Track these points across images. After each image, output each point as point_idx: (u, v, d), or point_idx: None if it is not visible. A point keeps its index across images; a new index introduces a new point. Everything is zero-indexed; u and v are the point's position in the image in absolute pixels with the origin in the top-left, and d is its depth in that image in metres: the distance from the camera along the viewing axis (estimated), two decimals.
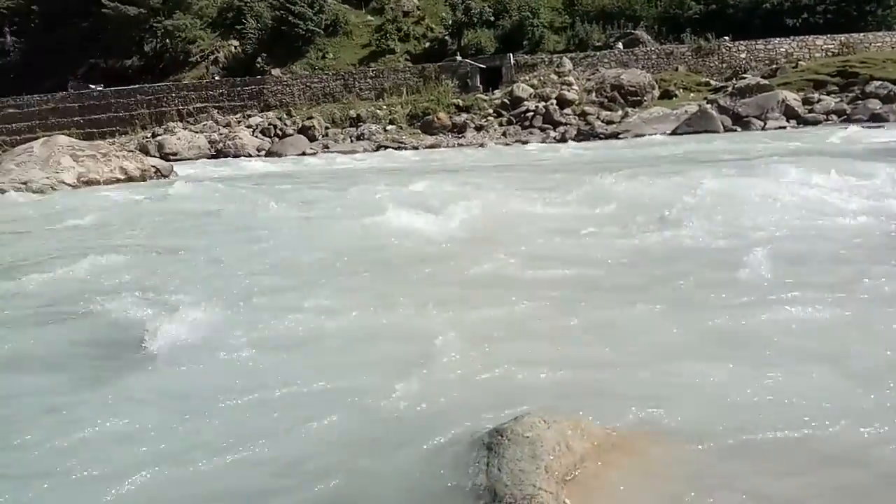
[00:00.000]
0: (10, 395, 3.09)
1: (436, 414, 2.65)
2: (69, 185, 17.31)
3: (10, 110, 33.96)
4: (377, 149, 26.76)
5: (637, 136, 23.02)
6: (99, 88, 34.24)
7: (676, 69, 29.53)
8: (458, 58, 31.43)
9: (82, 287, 5.13)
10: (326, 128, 29.96)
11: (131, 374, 3.29)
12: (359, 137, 28.72)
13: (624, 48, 30.93)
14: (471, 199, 7.77)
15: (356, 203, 8.61)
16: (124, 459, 2.44)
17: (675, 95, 27.53)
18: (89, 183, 17.45)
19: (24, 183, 17.06)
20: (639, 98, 27.34)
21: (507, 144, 25.27)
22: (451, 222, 6.76)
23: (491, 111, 28.76)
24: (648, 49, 30.60)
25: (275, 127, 30.05)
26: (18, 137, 29.57)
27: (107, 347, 3.68)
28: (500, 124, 27.91)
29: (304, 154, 26.67)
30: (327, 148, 27.70)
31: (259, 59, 34.89)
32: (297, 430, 2.63)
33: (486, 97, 29.61)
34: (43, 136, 22.08)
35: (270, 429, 2.66)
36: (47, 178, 17.20)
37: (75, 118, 33.25)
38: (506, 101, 28.76)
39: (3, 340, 3.90)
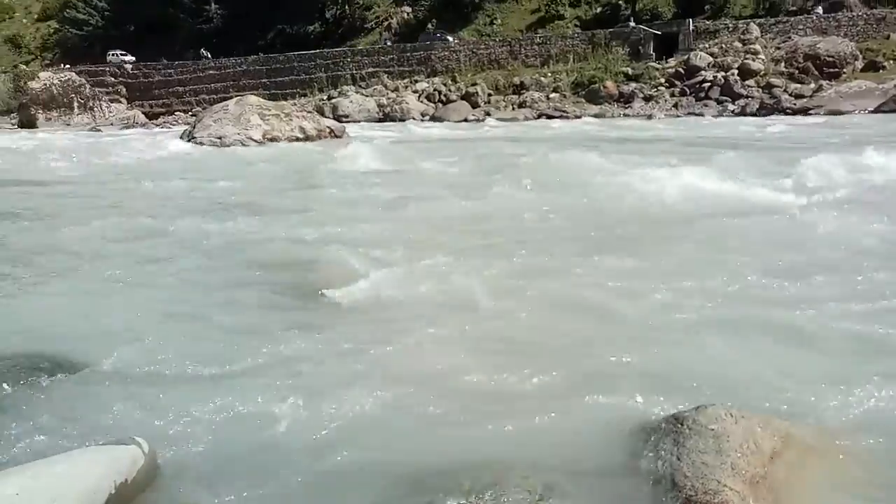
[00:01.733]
0: (231, 332, 3.44)
1: (605, 391, 2.59)
2: (256, 140, 18.93)
3: (211, 72, 37.77)
4: (538, 117, 26.43)
5: (831, 112, 20.60)
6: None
7: (888, 37, 25.88)
8: (631, 23, 29.91)
9: (285, 237, 5.61)
10: (489, 94, 30.07)
11: (332, 319, 3.54)
12: (520, 105, 28.51)
13: (824, 13, 27.62)
14: None
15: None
16: (336, 394, 2.65)
17: (883, 67, 24.23)
18: (273, 140, 18.96)
19: (219, 137, 18.92)
20: (836, 70, 24.41)
21: (678, 116, 23.79)
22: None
23: (663, 81, 27.19)
24: (854, 14, 27.08)
25: (439, 92, 30.68)
26: (216, 96, 32.85)
27: (308, 293, 4.00)
28: (672, 95, 26.31)
29: (465, 120, 27.02)
30: (488, 114, 27.81)
31: (429, 25, 35.62)
32: (452, 397, 2.69)
33: (658, 66, 28.00)
34: (236, 96, 24.24)
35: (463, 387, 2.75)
36: (238, 133, 18.92)
37: (262, 80, 36.22)
38: (680, 70, 27.01)
39: (220, 285, 4.35)
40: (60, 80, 35.33)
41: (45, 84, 34.76)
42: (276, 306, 3.86)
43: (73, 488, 1.66)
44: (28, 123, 32.99)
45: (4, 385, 2.77)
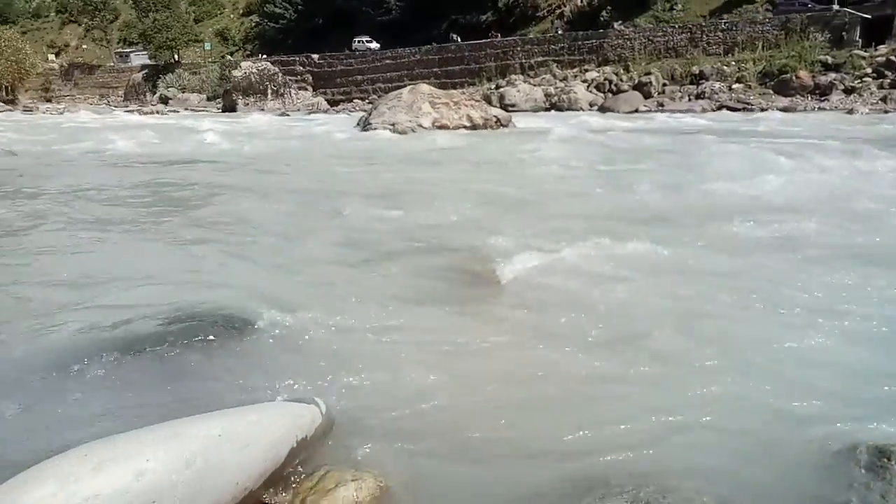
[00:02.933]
0: (399, 305, 3.62)
1: (801, 403, 2.34)
2: (425, 128, 19.58)
3: (387, 61, 39.68)
4: (718, 108, 24.63)
5: None
6: (456, 38, 37.74)
7: None
8: (835, 6, 26.77)
9: (448, 223, 5.78)
10: (664, 84, 28.55)
11: (487, 302, 3.61)
12: (698, 96, 26.75)
13: None
14: None
15: None
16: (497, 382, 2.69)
17: None
18: (441, 127, 19.51)
19: (392, 124, 19.82)
20: None
21: (886, 112, 20.98)
22: None
23: (869, 71, 24.08)
24: None
25: (610, 82, 29.67)
26: (390, 84, 34.46)
27: (464, 278, 4.10)
28: (881, 87, 23.23)
29: (636, 111, 25.91)
30: (661, 106, 26.44)
31: (604, 13, 34.55)
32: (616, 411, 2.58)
33: (864, 54, 24.84)
34: (409, 85, 25.21)
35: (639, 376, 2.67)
36: (410, 121, 19.69)
37: (434, 69, 37.34)
38: (893, 59, 23.75)
39: (380, 269, 4.58)
40: (258, 69, 39.02)
41: (245, 73, 38.58)
42: (447, 286, 3.98)
43: (262, 437, 1.82)
44: (230, 108, 36.90)
45: (194, 338, 3.09)
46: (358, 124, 21.52)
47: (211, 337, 3.12)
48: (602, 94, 29.32)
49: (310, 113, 34.11)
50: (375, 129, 19.63)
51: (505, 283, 3.85)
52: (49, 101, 51.08)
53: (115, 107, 44.29)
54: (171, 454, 1.52)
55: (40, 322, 3.36)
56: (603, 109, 27.35)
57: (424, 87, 21.49)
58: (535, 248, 4.54)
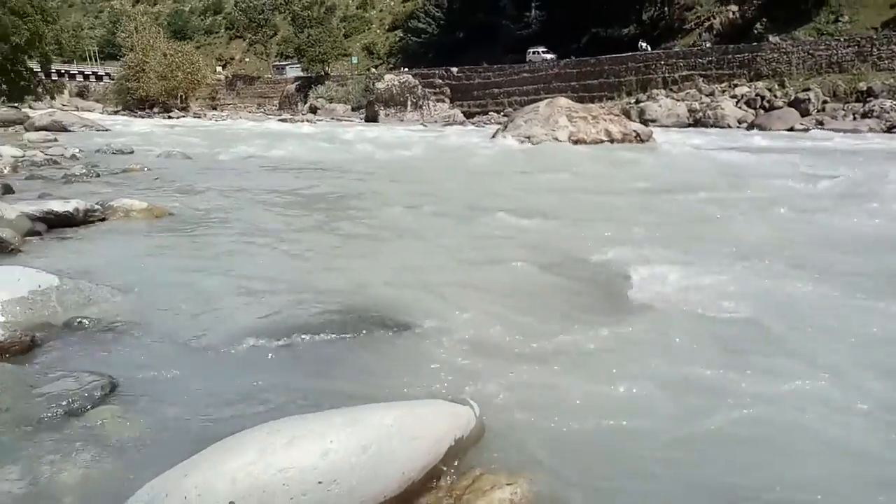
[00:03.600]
0: (544, 328, 3.62)
1: None
2: (561, 141, 19.39)
3: (524, 74, 39.85)
4: (889, 129, 22.34)
5: None
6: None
7: None
8: None
9: (589, 236, 5.72)
10: (824, 102, 26.35)
11: (620, 320, 3.53)
12: (865, 115, 24.40)
13: None
14: None
15: None
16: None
17: None
18: (578, 142, 19.25)
19: (528, 137, 19.83)
20: None
21: None
22: None
23: None
24: None
25: (762, 98, 27.83)
26: (526, 98, 34.58)
27: (595, 292, 4.04)
28: None
29: (791, 129, 24.09)
30: (821, 124, 24.37)
31: (758, 25, 32.55)
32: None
33: None
34: (545, 98, 25.13)
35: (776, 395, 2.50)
36: (545, 134, 19.60)
37: (571, 83, 36.99)
38: None
39: (525, 278, 4.61)
40: (399, 82, 40.64)
41: (388, 85, 40.32)
42: (595, 300, 3.92)
43: (428, 432, 1.89)
44: (372, 118, 38.74)
45: (349, 333, 3.25)
46: (494, 136, 21.75)
47: (364, 332, 3.29)
48: (752, 111, 27.57)
49: (446, 125, 34.99)
50: (511, 141, 19.75)
51: (651, 303, 3.73)
52: (214, 108, 56.39)
53: (270, 115, 48.00)
54: (351, 438, 1.62)
55: (213, 307, 3.70)
56: (752, 126, 25.71)
57: (562, 101, 21.31)
58: (681, 268, 4.36)
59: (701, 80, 31.59)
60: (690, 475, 2.11)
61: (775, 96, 27.59)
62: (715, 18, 36.02)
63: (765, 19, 32.65)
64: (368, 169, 12.18)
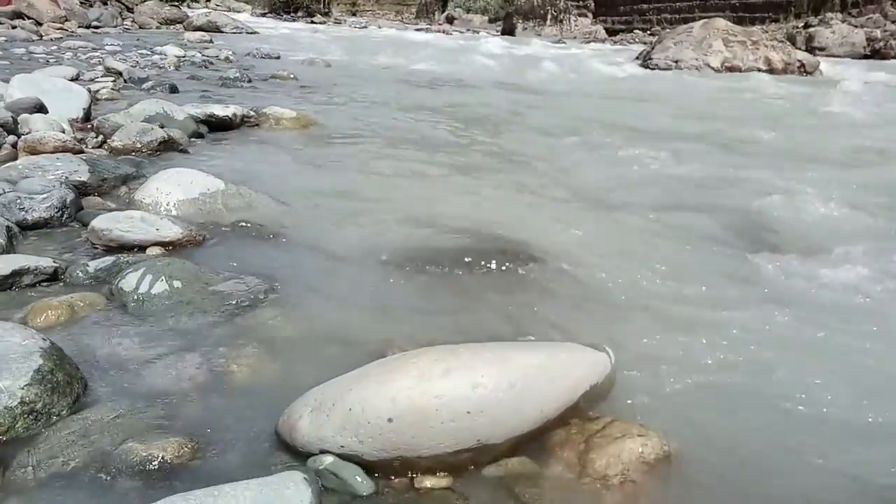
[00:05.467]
0: (684, 277, 3.50)
1: None
2: (713, 68, 17.97)
3: None
4: None
5: None
6: None
7: None
8: None
9: (738, 178, 5.36)
10: None
11: (763, 270, 3.35)
12: None
13: None
14: None
15: None
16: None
17: None
18: (731, 69, 17.74)
19: (676, 61, 18.51)
20: None
21: None
22: None
23: None
24: None
25: None
26: (678, 16, 31.95)
27: (762, 244, 3.81)
28: None
29: None
30: None
31: None
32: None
33: None
34: (700, 18, 23.08)
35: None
36: (696, 59, 18.20)
37: (731, 1, 33.58)
38: None
39: (662, 220, 4.43)
40: None
41: None
42: (743, 250, 3.72)
43: (568, 375, 1.94)
44: (509, 31, 37.56)
45: (485, 266, 3.28)
46: (637, 58, 20.50)
47: (499, 267, 3.31)
48: None
49: (586, 42, 33.26)
50: (657, 65, 18.55)
51: (802, 255, 3.49)
52: (354, 14, 57.01)
53: (408, 23, 47.86)
54: (500, 374, 1.69)
55: (357, 223, 3.88)
56: None
57: (720, 23, 19.56)
58: (841, 221, 4.02)
59: (889, 3, 27.58)
60: (856, 465, 1.99)
61: None
62: None
63: None
64: (502, 89, 11.96)
